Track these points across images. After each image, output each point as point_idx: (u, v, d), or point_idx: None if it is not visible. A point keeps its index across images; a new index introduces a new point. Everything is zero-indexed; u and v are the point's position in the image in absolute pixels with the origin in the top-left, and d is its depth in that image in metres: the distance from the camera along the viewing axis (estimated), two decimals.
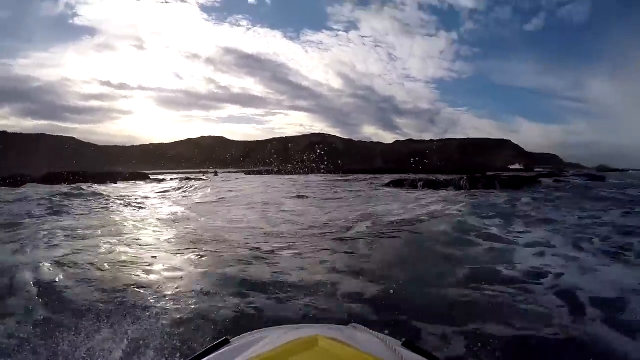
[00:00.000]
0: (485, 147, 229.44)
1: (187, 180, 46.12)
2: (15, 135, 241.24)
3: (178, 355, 3.62)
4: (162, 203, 20.23)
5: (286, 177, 56.43)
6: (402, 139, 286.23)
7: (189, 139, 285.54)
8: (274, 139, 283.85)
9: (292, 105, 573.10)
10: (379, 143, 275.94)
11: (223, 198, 21.96)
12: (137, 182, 48.32)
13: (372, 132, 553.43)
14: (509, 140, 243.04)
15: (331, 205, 17.21)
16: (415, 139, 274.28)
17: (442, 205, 16.20)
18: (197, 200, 21.22)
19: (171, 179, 53.83)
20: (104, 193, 24.37)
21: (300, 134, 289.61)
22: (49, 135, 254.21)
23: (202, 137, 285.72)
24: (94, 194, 23.60)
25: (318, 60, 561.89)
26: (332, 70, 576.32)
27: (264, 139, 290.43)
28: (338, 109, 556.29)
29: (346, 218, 12.84)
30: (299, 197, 21.78)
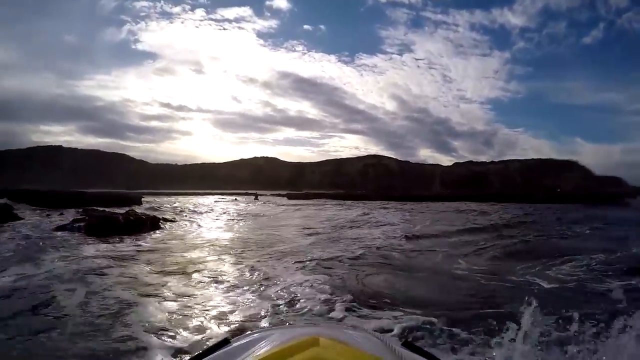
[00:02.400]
0: (550, 169, 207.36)
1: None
2: (70, 150, 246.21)
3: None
4: None
5: (334, 202, 47.86)
6: (459, 160, 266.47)
7: (241, 159, 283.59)
8: (327, 160, 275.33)
9: (347, 128, 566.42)
10: (436, 165, 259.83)
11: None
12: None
13: (427, 155, 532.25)
14: (576, 162, 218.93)
15: None
16: (474, 160, 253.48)
17: None
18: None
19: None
20: None
21: (354, 156, 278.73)
22: (102, 151, 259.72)
23: (255, 158, 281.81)
24: None
25: (372, 84, 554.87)
26: (386, 93, 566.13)
27: (317, 160, 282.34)
28: (392, 132, 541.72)
29: None
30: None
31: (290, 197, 68.00)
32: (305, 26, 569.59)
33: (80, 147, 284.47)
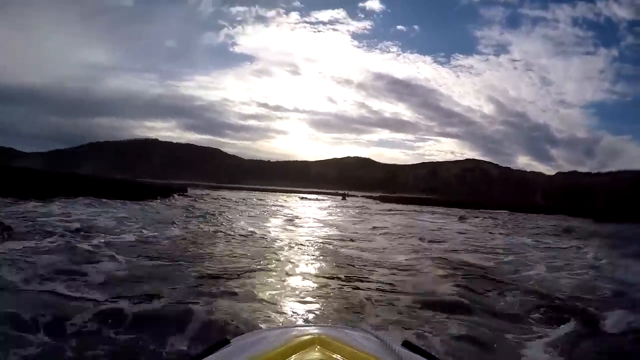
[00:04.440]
0: None
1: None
2: (166, 144, 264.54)
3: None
4: None
5: (430, 209, 40.37)
6: (556, 171, 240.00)
7: (334, 158, 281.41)
8: (423, 163, 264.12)
9: (442, 132, 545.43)
10: (539, 174, 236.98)
11: None
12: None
13: (524, 162, 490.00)
14: None
15: None
16: (579, 170, 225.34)
17: None
18: None
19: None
20: None
21: (450, 160, 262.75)
22: (196, 145, 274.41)
23: (347, 157, 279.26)
24: None
25: (469, 86, 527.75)
26: (482, 95, 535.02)
27: (411, 163, 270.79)
28: (489, 137, 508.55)
29: None
30: None
31: (383, 200, 60.76)
32: (399, 27, 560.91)
33: (176, 141, 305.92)
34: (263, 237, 12.21)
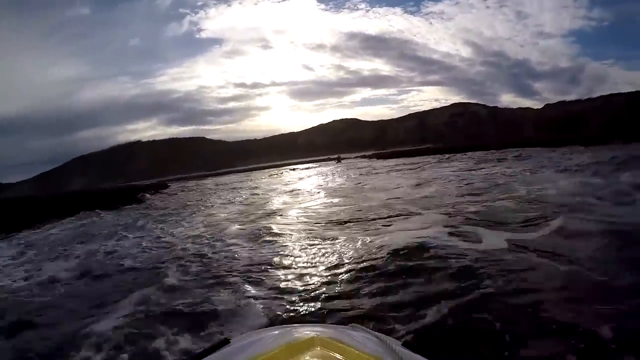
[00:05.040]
0: None
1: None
2: (148, 143, 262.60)
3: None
4: None
5: (430, 158, 37.51)
6: (544, 103, 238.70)
7: (320, 125, 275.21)
8: (410, 115, 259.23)
9: (424, 81, 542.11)
10: (527, 109, 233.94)
11: None
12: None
13: (510, 100, 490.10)
14: None
15: None
16: (566, 100, 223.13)
17: None
18: None
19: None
20: None
21: (437, 107, 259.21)
22: (179, 138, 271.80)
23: (334, 121, 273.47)
24: None
25: (444, 31, 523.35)
26: (458, 39, 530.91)
27: (399, 116, 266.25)
28: (471, 79, 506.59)
29: None
30: None
31: (378, 157, 57.23)
32: None
33: (159, 138, 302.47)
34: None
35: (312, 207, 12.76)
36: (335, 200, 14.02)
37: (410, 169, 25.80)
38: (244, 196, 20.07)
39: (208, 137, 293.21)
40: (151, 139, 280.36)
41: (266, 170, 63.13)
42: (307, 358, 0.95)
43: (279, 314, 4.45)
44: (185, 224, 12.38)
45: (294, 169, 52.09)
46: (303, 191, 18.90)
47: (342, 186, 19.34)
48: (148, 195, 27.10)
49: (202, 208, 16.87)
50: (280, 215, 11.86)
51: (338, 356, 0.96)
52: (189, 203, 19.89)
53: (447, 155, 39.96)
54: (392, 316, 4.03)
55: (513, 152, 33.32)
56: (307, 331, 1.20)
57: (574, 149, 29.26)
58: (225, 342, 1.25)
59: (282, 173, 45.42)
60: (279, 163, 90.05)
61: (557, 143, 37.94)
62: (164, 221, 13.64)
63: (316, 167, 51.33)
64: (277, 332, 1.29)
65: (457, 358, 3.32)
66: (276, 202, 15.64)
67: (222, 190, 25.79)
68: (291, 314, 4.44)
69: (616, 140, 31.75)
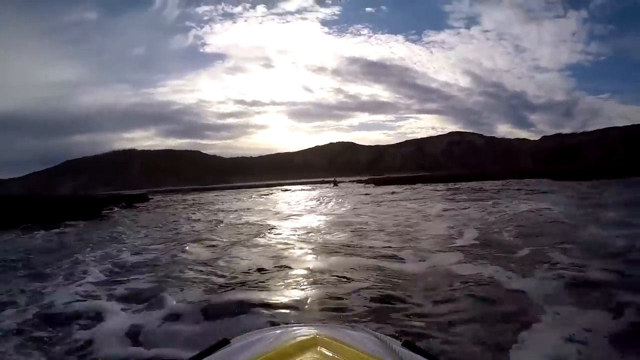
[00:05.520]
0: None
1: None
2: (142, 152, 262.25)
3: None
4: None
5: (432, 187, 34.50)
6: (540, 135, 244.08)
7: (316, 146, 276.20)
8: (407, 141, 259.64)
9: (422, 109, 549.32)
10: (524, 140, 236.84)
11: None
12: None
13: (506, 131, 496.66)
14: None
15: None
16: (562, 133, 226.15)
17: None
18: None
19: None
20: None
21: (435, 135, 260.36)
22: (174, 150, 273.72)
23: (330, 144, 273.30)
24: None
25: (444, 61, 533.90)
26: (458, 69, 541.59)
27: (395, 142, 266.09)
28: (468, 109, 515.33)
29: None
30: None
31: (375, 182, 54.20)
32: (368, 9, 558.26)
33: (154, 148, 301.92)
34: None
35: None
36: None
37: (421, 199, 22.44)
38: (220, 224, 16.07)
39: (204, 151, 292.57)
40: (146, 149, 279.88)
41: (261, 188, 60.26)
42: (307, 358, 0.93)
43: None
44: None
45: (287, 190, 48.85)
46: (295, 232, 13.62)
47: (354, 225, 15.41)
48: (116, 209, 24.21)
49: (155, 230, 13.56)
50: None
51: (338, 356, 0.94)
52: (146, 225, 16.05)
53: (452, 185, 37.06)
54: None
55: (522, 183, 30.78)
56: (307, 331, 1.16)
57: (596, 183, 26.71)
58: (225, 342, 1.19)
59: (274, 193, 42.29)
60: (273, 182, 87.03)
61: (560, 176, 35.94)
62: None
63: (311, 189, 47.89)
64: (277, 332, 1.24)
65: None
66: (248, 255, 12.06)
67: (202, 210, 22.37)
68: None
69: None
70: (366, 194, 29.25)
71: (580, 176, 33.08)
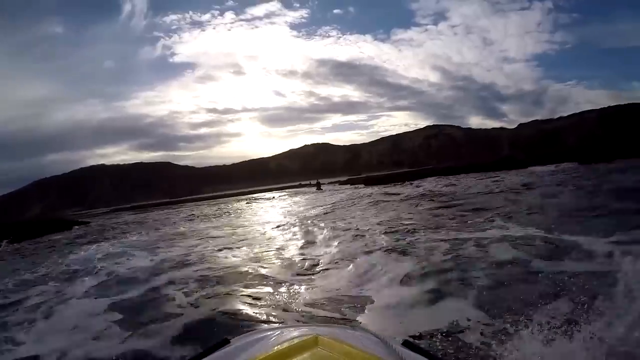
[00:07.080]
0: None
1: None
2: (113, 167, 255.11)
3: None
4: None
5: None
6: (509, 125, 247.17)
7: (291, 150, 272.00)
8: (382, 138, 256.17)
9: (393, 106, 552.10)
10: (502, 129, 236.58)
11: None
12: None
13: (478, 122, 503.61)
14: None
15: None
16: (539, 119, 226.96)
17: None
18: None
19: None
20: None
21: (411, 130, 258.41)
22: (145, 163, 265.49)
23: (305, 146, 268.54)
24: None
25: (412, 58, 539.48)
26: (427, 65, 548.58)
27: (370, 141, 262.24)
28: (439, 103, 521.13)
29: None
30: None
31: (352, 182, 47.86)
32: (335, 10, 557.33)
33: (124, 162, 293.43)
34: None
35: None
36: None
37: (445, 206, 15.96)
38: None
39: (176, 162, 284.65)
40: (115, 164, 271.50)
41: (235, 197, 54.86)
42: (307, 358, 0.95)
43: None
44: None
45: (272, 197, 40.05)
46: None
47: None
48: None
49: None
50: None
51: (338, 356, 0.95)
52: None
53: (449, 177, 31.63)
54: None
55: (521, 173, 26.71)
56: (307, 331, 1.17)
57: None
58: (225, 342, 1.22)
59: (250, 204, 33.88)
60: (249, 190, 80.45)
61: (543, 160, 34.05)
62: None
63: (293, 195, 40.25)
64: (277, 332, 1.26)
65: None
66: None
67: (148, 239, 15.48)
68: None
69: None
70: (386, 201, 17.68)
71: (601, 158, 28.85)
